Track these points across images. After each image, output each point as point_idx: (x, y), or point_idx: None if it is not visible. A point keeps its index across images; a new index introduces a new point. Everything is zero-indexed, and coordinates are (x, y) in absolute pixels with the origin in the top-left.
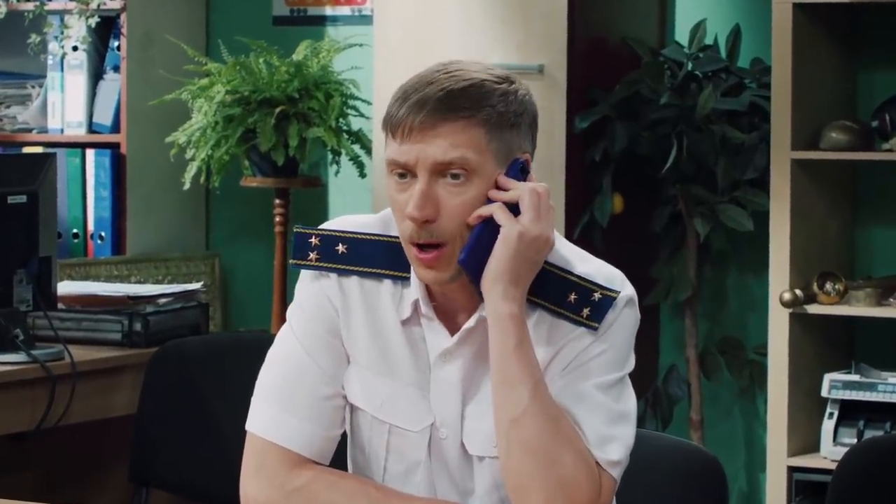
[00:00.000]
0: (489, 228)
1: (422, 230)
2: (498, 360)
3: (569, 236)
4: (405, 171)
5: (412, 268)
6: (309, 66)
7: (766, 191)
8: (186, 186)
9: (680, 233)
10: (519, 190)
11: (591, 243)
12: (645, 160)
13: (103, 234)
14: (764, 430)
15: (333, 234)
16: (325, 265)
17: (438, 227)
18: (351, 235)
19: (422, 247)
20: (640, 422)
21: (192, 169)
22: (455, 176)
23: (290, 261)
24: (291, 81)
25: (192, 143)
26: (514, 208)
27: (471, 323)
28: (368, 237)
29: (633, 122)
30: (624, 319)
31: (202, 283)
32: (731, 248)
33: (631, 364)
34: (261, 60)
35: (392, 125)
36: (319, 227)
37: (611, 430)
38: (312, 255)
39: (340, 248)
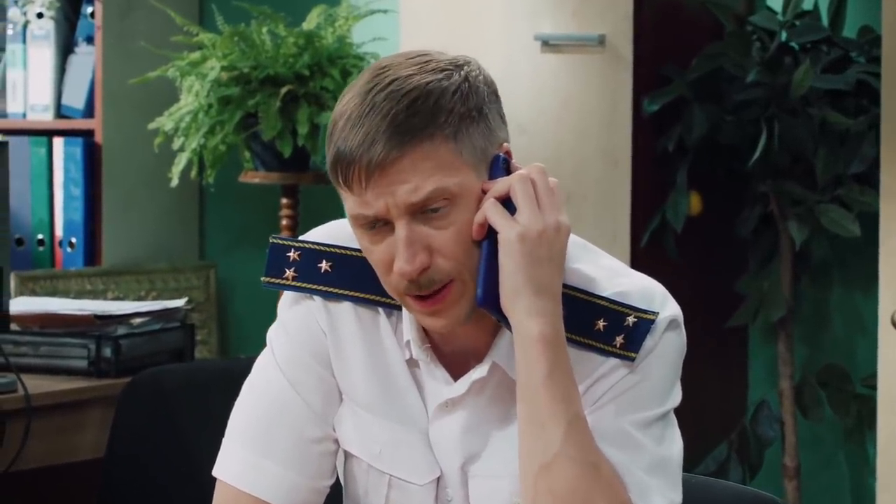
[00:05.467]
0: (496, 246)
1: (420, 281)
2: (525, 394)
3: (635, 243)
4: (375, 221)
5: (414, 317)
6: (322, 37)
7: (876, 188)
8: (174, 183)
9: (771, 239)
10: (505, 182)
11: (662, 251)
12: (728, 150)
13: (74, 240)
14: (874, 479)
15: (316, 248)
16: (303, 285)
17: (437, 270)
18: (338, 251)
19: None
20: (723, 470)
21: (181, 162)
22: (436, 209)
23: (262, 278)
24: (301, 56)
25: (181, 130)
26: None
27: (482, 372)
28: (358, 254)
29: (714, 104)
30: (665, 346)
31: (186, 299)
32: (833, 257)
33: (675, 399)
34: (264, 30)
35: (342, 175)
36: (302, 237)
37: (652, 477)
38: (289, 273)
39: (324, 265)
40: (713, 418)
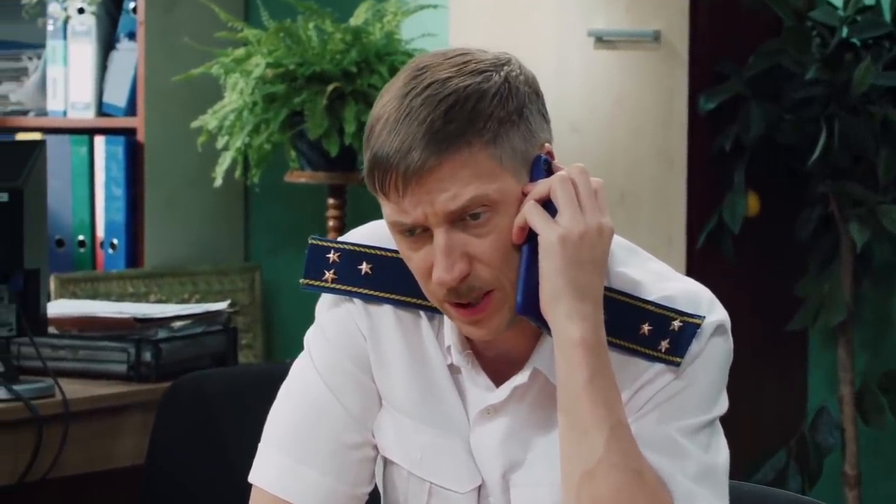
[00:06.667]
0: (536, 251)
1: (459, 289)
2: (565, 400)
3: (691, 244)
4: (413, 228)
5: (455, 324)
6: (370, 33)
7: None
8: (218, 183)
9: (832, 241)
10: (546, 184)
11: (719, 253)
12: (787, 150)
13: (116, 241)
14: None
15: (356, 249)
16: (344, 288)
17: (477, 278)
18: (378, 252)
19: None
20: (782, 478)
21: (225, 161)
22: (476, 216)
23: (301, 280)
24: (348, 52)
25: (226, 128)
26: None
27: (522, 378)
28: (399, 255)
29: (772, 102)
30: (712, 351)
31: (228, 301)
32: None
33: (722, 406)
34: (310, 26)
35: (378, 182)
36: (341, 238)
37: (699, 486)
38: (329, 275)
39: (364, 267)
40: (771, 425)
